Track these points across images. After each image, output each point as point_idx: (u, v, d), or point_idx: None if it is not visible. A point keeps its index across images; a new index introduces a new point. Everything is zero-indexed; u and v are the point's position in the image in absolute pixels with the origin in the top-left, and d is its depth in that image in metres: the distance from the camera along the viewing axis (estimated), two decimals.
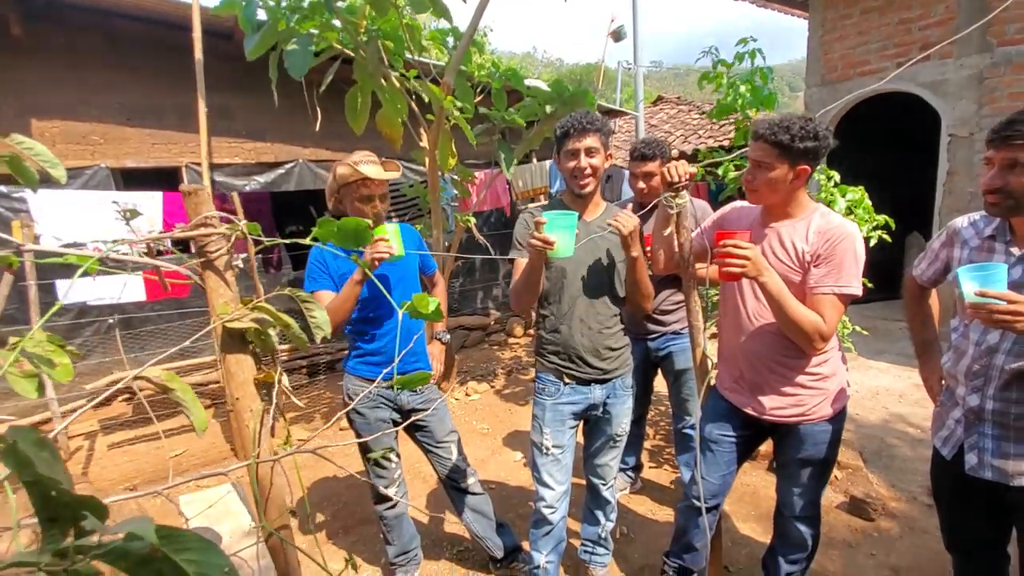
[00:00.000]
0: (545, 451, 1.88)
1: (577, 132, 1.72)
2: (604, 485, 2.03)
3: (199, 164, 4.38)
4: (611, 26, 4.55)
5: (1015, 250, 1.39)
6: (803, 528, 1.80)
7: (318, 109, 3.20)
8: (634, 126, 6.44)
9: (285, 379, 1.27)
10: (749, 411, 1.76)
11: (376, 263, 1.68)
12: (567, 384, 1.85)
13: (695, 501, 1.87)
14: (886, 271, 6.37)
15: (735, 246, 1.49)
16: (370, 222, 1.04)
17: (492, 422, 3.94)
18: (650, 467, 3.10)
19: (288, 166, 4.88)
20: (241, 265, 1.19)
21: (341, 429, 3.83)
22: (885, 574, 2.19)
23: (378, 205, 1.87)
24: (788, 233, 1.62)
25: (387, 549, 2.17)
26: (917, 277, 1.71)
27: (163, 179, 4.32)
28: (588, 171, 1.76)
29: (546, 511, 1.90)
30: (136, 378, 0.90)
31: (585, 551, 2.15)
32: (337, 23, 2.78)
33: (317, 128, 3.36)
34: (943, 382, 1.63)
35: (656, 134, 10.60)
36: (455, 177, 3.71)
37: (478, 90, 3.42)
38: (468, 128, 2.89)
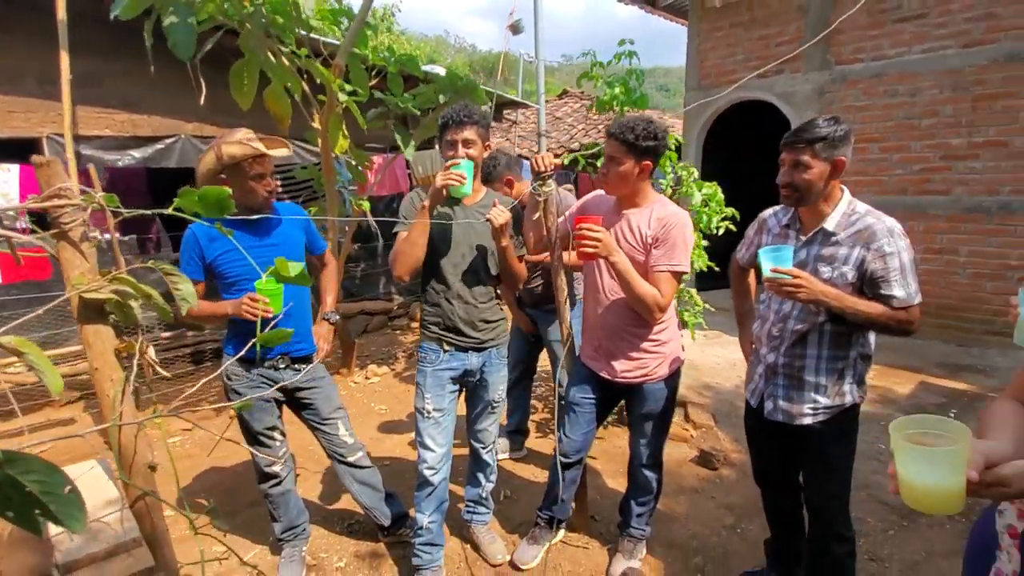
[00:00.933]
0: (427, 415, 2.01)
1: (455, 124, 1.85)
2: (484, 449, 2.20)
3: (62, 135, 4.00)
4: (510, 19, 4.72)
5: (802, 236, 1.68)
6: (649, 474, 2.10)
7: (203, 82, 3.05)
8: (536, 118, 6.71)
9: (151, 351, 1.29)
10: (604, 375, 2.01)
11: (244, 315, 1.70)
12: (446, 352, 1.99)
13: (561, 458, 2.11)
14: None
15: (589, 229, 1.71)
16: (228, 191, 1.06)
17: (391, 403, 4.01)
18: (536, 437, 3.35)
19: (168, 141, 4.55)
20: (100, 238, 1.20)
21: (231, 417, 3.72)
22: (722, 512, 2.58)
23: (271, 183, 1.88)
24: (635, 219, 1.88)
25: (274, 526, 2.19)
26: (738, 260, 2.01)
27: (21, 151, 3.88)
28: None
29: (428, 472, 2.02)
30: None
31: (468, 511, 2.32)
32: None
33: (202, 102, 3.20)
34: (753, 345, 1.94)
35: (560, 127, 11.00)
36: (350, 161, 3.70)
37: (373, 73, 3.43)
38: (358, 111, 2.91)
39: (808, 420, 1.69)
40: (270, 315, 1.67)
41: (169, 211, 1.13)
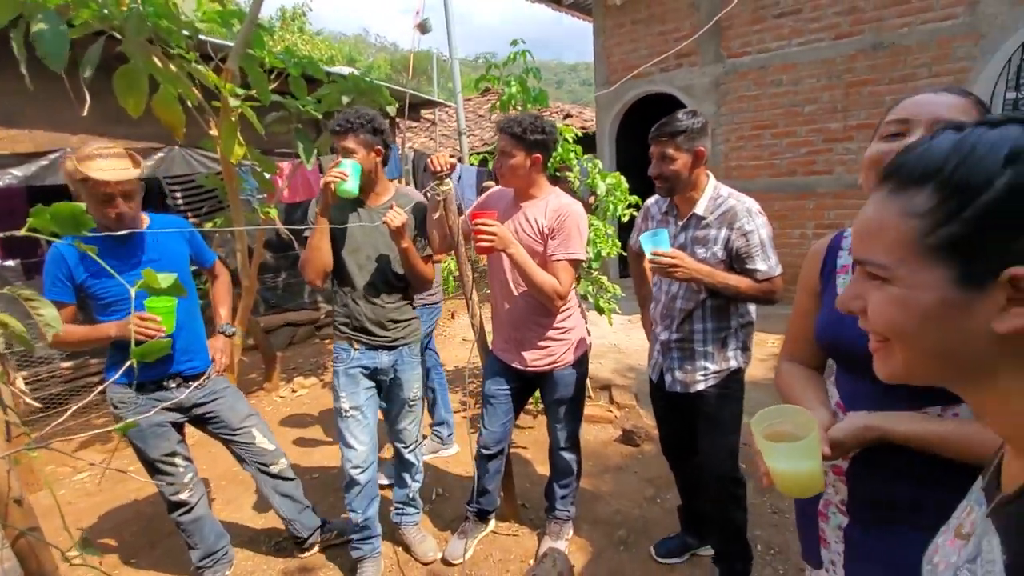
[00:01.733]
0: (344, 414, 2.01)
1: (336, 133, 1.89)
2: (406, 449, 2.21)
3: None
4: (416, 19, 4.69)
5: (679, 222, 1.82)
6: (568, 456, 2.19)
7: (85, 91, 2.83)
8: (456, 117, 6.73)
9: (20, 381, 1.22)
10: (516, 366, 2.07)
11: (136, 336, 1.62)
12: (356, 350, 2.01)
13: (481, 449, 2.16)
14: None
15: (484, 224, 1.76)
16: (83, 207, 0.99)
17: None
18: (470, 432, 3.38)
19: (53, 156, 4.19)
20: None
21: (112, 451, 3.50)
22: (644, 485, 2.72)
23: (121, 205, 1.70)
24: (532, 212, 1.94)
25: (191, 555, 2.10)
26: (631, 245, 2.12)
27: None
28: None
29: (354, 472, 2.03)
30: None
31: (397, 513, 2.32)
32: None
33: (84, 112, 2.97)
34: (652, 326, 2.06)
35: (484, 124, 11.05)
36: (256, 168, 3.56)
37: (273, 76, 3.32)
38: (255, 117, 2.81)
39: (701, 386, 1.83)
40: (163, 334, 1.61)
41: (23, 232, 1.06)
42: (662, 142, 1.72)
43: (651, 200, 1.99)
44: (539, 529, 2.40)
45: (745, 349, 1.86)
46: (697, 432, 1.96)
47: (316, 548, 2.32)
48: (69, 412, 1.10)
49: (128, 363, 1.19)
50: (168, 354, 1.77)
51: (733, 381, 1.85)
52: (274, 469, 2.14)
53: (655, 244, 1.67)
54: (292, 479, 2.22)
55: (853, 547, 0.99)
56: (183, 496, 1.95)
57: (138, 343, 1.63)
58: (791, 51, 5.06)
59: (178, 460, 1.92)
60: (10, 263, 4.29)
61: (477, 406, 3.71)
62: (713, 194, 1.76)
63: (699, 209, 1.75)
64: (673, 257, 1.64)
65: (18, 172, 4.07)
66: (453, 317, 6.17)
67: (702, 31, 4.07)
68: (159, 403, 1.81)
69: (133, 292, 1.15)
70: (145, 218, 1.87)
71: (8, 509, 1.12)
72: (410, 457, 2.23)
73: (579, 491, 2.34)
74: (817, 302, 1.09)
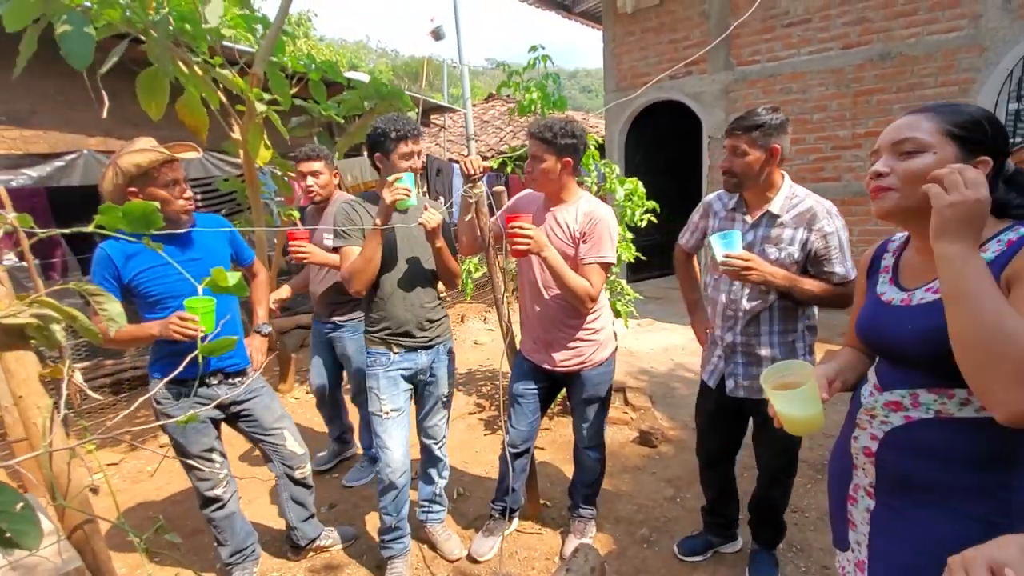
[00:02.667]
0: (385, 415, 2.02)
1: (415, 136, 1.91)
2: (436, 445, 2.24)
3: None
4: (430, 26, 4.75)
5: (748, 218, 1.77)
6: (593, 455, 2.22)
7: (103, 93, 2.87)
8: (464, 122, 6.77)
9: (77, 375, 1.25)
10: (545, 366, 2.10)
11: (174, 336, 1.67)
12: (396, 353, 2.03)
13: (509, 448, 2.19)
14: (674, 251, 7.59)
15: (520, 227, 1.79)
16: (156, 205, 1.02)
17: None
18: (485, 434, 3.41)
19: (69, 157, 4.22)
20: (12, 262, 1.14)
21: (161, 446, 3.52)
22: (663, 485, 2.75)
23: (186, 188, 1.81)
24: (563, 216, 1.98)
25: (220, 551, 2.11)
26: (683, 246, 2.08)
27: None
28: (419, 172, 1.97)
29: (392, 475, 2.04)
30: None
31: (423, 511, 2.33)
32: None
33: (104, 114, 3.01)
34: (708, 330, 1.99)
35: (489, 130, 11.12)
36: (275, 171, 3.60)
37: (293, 80, 3.37)
38: (279, 120, 2.86)
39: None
40: (202, 334, 1.63)
41: (90, 229, 1.08)
42: (736, 136, 1.67)
43: (712, 196, 1.95)
44: (562, 528, 2.43)
45: (811, 352, 1.84)
46: (755, 433, 1.98)
47: (310, 554, 2.33)
48: (136, 405, 1.13)
49: (189, 357, 1.23)
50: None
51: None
52: (298, 474, 2.15)
53: (726, 246, 1.63)
54: (310, 487, 2.23)
55: (879, 526, 1.05)
56: (218, 492, 1.97)
57: (178, 343, 1.68)
58: (800, 60, 5.13)
59: (215, 456, 1.95)
60: (23, 264, 4.32)
61: (493, 408, 3.74)
62: (789, 193, 1.72)
63: (774, 207, 1.71)
64: (747, 260, 1.60)
65: (32, 173, 4.09)
66: (462, 321, 6.19)
67: (716, 42, 4.13)
68: (203, 400, 1.85)
69: (200, 288, 1.19)
70: (192, 216, 1.91)
71: (69, 499, 1.15)
72: (439, 453, 2.26)
73: (601, 490, 2.37)
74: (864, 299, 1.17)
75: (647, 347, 4.90)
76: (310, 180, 2.58)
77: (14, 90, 3.94)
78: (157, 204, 1.01)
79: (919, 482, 0.98)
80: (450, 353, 2.20)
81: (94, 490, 1.08)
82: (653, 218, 3.20)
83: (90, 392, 1.23)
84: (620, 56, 6.26)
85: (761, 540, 2.09)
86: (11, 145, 4.05)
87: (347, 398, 3.03)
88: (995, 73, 4.30)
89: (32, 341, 1.12)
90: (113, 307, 1.13)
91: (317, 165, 2.58)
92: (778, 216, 1.71)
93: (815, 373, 1.13)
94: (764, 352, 1.80)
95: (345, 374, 2.91)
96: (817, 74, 5.07)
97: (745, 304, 1.78)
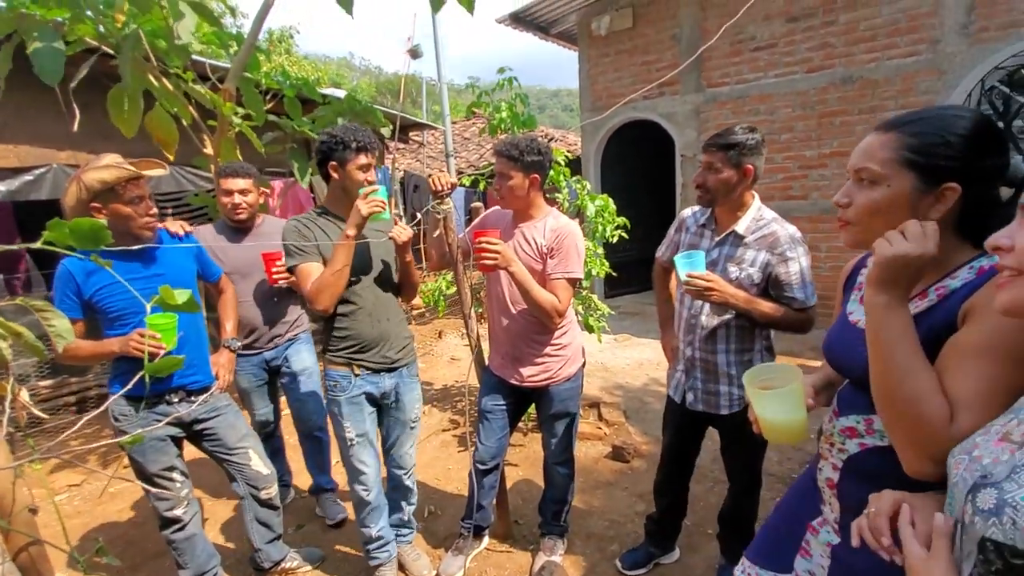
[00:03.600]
0: (351, 443, 1.98)
1: (372, 149, 1.87)
2: (405, 474, 2.17)
3: None
4: (407, 45, 4.82)
5: (716, 236, 1.81)
6: (562, 470, 2.22)
7: (75, 107, 2.84)
8: (444, 139, 6.85)
9: (24, 394, 1.22)
10: (513, 381, 2.11)
11: (134, 353, 1.65)
12: (358, 376, 1.97)
13: (477, 464, 2.18)
14: (650, 266, 7.70)
15: (488, 242, 1.80)
16: (103, 222, 1.01)
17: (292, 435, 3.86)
18: (458, 451, 3.39)
19: (38, 171, 4.15)
20: None
21: (125, 466, 3.42)
22: (633, 500, 2.76)
23: (151, 205, 1.79)
24: (530, 231, 2.01)
25: (181, 575, 2.06)
26: (660, 259, 2.12)
27: None
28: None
29: (364, 493, 2.03)
30: None
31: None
32: (91, 14, 2.52)
33: (75, 128, 2.97)
34: (673, 347, 2.02)
35: (469, 147, 11.22)
36: None
37: (268, 96, 3.37)
38: (254, 136, 2.86)
39: (725, 411, 1.86)
40: (162, 351, 1.61)
41: (38, 245, 1.08)
42: (711, 152, 1.70)
43: (688, 211, 1.98)
44: (532, 545, 2.41)
45: None
46: (722, 445, 2.01)
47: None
48: (83, 421, 1.11)
49: (137, 376, 1.21)
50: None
51: None
52: (263, 495, 2.11)
53: (691, 266, 1.65)
54: (276, 507, 2.18)
55: (839, 563, 1.03)
56: (178, 512, 1.92)
57: (138, 359, 1.66)
58: (767, 82, 5.31)
59: (176, 475, 1.90)
60: None
61: (468, 424, 3.72)
62: (756, 215, 1.75)
63: (740, 227, 1.74)
64: (709, 280, 1.63)
65: (1, 187, 4.02)
66: (440, 336, 6.17)
67: (684, 65, 4.27)
68: (161, 417, 1.81)
69: (149, 306, 1.18)
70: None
71: (13, 520, 1.12)
72: (409, 483, 2.19)
73: (571, 507, 2.37)
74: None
75: (622, 362, 4.93)
76: (238, 198, 2.41)
77: None
78: (103, 222, 1.01)
79: None
80: (417, 376, 2.17)
81: (33, 511, 1.06)
82: (624, 234, 3.25)
83: (36, 411, 1.20)
84: (595, 77, 6.41)
85: (729, 554, 2.11)
86: None
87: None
88: (954, 96, 4.50)
89: None
90: (61, 323, 1.11)
91: (243, 183, 2.44)
92: (743, 236, 1.74)
93: (803, 379, 1.07)
94: (721, 369, 1.83)
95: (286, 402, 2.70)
96: (783, 96, 5.25)
97: (703, 319, 1.82)
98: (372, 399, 2.02)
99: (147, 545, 2.60)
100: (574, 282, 1.99)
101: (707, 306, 1.80)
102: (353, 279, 1.92)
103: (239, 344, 2.19)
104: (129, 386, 1.25)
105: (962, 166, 0.83)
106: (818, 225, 5.15)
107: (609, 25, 6.03)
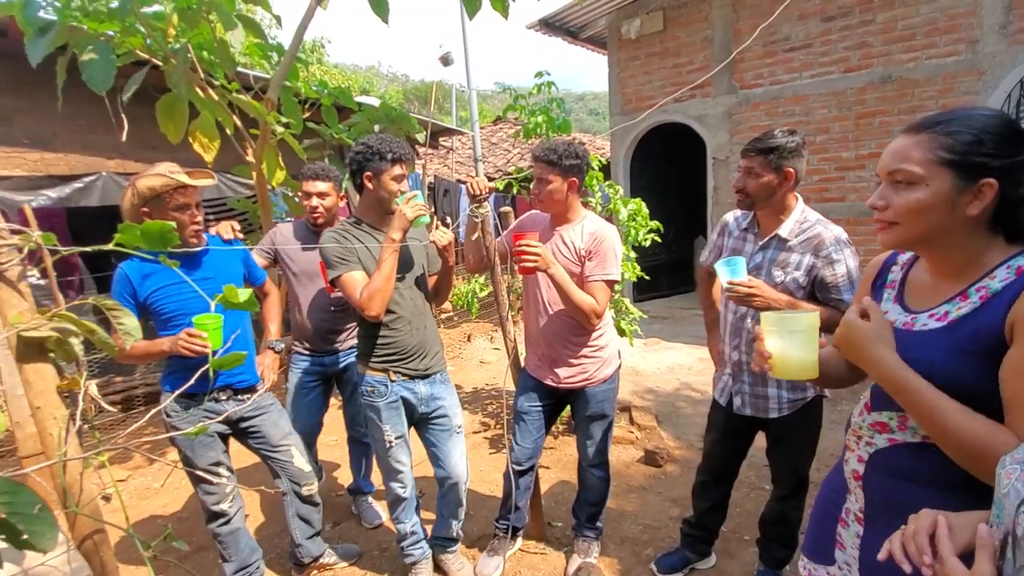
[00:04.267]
0: (390, 444, 2.01)
1: (407, 159, 1.90)
2: (457, 483, 2.12)
3: None
4: (439, 52, 4.91)
5: (759, 240, 1.80)
6: (597, 473, 2.22)
7: (124, 117, 2.98)
8: (472, 144, 6.91)
9: (93, 387, 1.29)
10: (549, 383, 2.12)
11: (182, 352, 1.68)
12: (394, 381, 1.97)
13: (513, 466, 2.19)
14: (680, 270, 7.63)
15: (528, 245, 1.82)
16: (173, 224, 1.06)
17: (340, 434, 3.94)
18: (490, 453, 3.41)
19: (88, 179, 4.34)
20: (34, 279, 1.19)
21: (171, 463, 3.54)
22: (667, 505, 2.73)
23: (196, 214, 1.85)
24: (568, 235, 2.02)
25: (224, 567, 2.11)
26: (703, 264, 2.09)
27: None
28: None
29: (401, 490, 2.07)
30: None
31: (438, 545, 2.26)
32: (142, 28, 2.65)
33: (124, 138, 3.12)
34: (720, 351, 1.99)
35: (496, 152, 11.30)
36: (286, 192, 3.69)
37: (306, 105, 3.47)
38: (296, 143, 2.95)
39: (774, 414, 1.83)
40: (208, 351, 1.66)
41: (110, 247, 1.14)
42: (751, 156, 1.69)
43: (730, 215, 1.97)
44: (566, 548, 2.41)
45: None
46: (769, 448, 1.98)
47: (313, 572, 2.32)
48: (147, 417, 1.17)
49: (199, 371, 1.26)
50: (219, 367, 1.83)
51: (811, 410, 1.83)
52: (305, 491, 2.16)
53: (731, 273, 1.63)
54: (317, 504, 2.23)
55: (868, 555, 1.03)
56: (224, 506, 1.98)
57: (190, 358, 1.73)
58: (802, 83, 5.21)
59: (222, 470, 1.97)
60: (42, 282, 4.42)
61: (498, 427, 3.74)
62: (800, 217, 1.72)
63: (783, 231, 1.72)
64: (751, 287, 1.61)
65: (52, 194, 4.21)
66: (469, 340, 6.22)
67: (718, 67, 4.23)
68: (210, 413, 1.88)
69: (213, 304, 1.23)
70: (203, 238, 1.96)
71: (78, 510, 1.17)
72: (461, 494, 2.15)
73: (605, 510, 2.36)
74: None
75: (653, 366, 4.89)
76: (315, 201, 2.43)
77: (37, 114, 4.09)
78: (173, 224, 1.06)
79: (905, 509, 0.94)
80: (450, 381, 2.17)
81: (106, 498, 1.11)
82: (657, 237, 3.24)
83: (105, 404, 1.27)
84: (625, 80, 6.38)
85: (769, 561, 2.07)
86: (33, 167, 4.19)
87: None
88: (994, 96, 4.35)
89: (51, 354, 1.16)
90: (129, 321, 1.17)
91: (323, 186, 2.44)
92: (787, 240, 1.71)
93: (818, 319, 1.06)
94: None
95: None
96: (819, 97, 5.14)
97: (750, 323, 1.79)
98: (407, 404, 2.03)
99: (192, 539, 2.68)
100: (612, 284, 1.99)
101: (752, 309, 1.78)
102: (397, 289, 1.93)
103: (283, 346, 2.25)
104: (190, 383, 1.30)
105: (997, 163, 0.86)
106: (855, 228, 5.01)
107: (639, 28, 6.01)
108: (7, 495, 0.60)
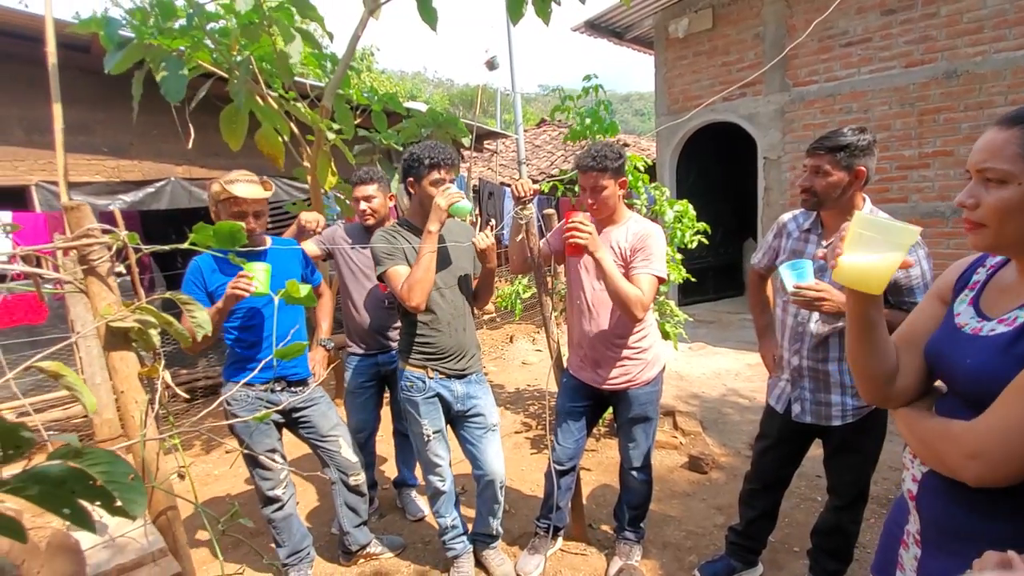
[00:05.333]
0: (428, 438, 2.08)
1: (447, 166, 1.94)
2: (494, 480, 2.14)
3: (52, 182, 4.09)
4: (485, 56, 4.99)
5: (823, 241, 1.73)
6: (639, 476, 2.20)
7: (190, 126, 3.19)
8: (516, 147, 6.97)
9: (167, 375, 1.39)
10: (592, 384, 2.12)
11: (234, 297, 1.79)
12: (431, 378, 2.04)
13: (555, 465, 2.21)
14: (728, 273, 7.43)
15: (581, 222, 1.82)
16: (241, 225, 1.15)
17: (384, 430, 4.06)
18: (531, 453, 3.43)
19: (158, 184, 4.67)
20: (123, 271, 1.31)
21: (227, 452, 3.75)
22: (712, 512, 2.68)
23: (252, 222, 1.94)
24: (615, 236, 2.01)
25: (278, 552, 2.23)
26: (755, 266, 2.04)
27: (8, 199, 3.97)
28: None
29: (440, 484, 2.13)
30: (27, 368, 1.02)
31: (480, 541, 2.31)
32: (209, 43, 2.83)
33: (190, 145, 3.34)
34: (775, 355, 1.95)
35: (540, 154, 11.33)
36: (338, 195, 3.84)
37: (357, 111, 3.61)
38: (347, 149, 3.07)
39: (837, 422, 1.76)
40: (253, 290, 1.75)
41: (186, 245, 1.24)
42: (819, 155, 1.64)
43: (787, 216, 1.90)
44: (606, 550, 2.40)
45: None
46: (827, 458, 1.91)
47: (360, 561, 2.41)
48: (214, 406, 1.27)
49: (264, 360, 1.35)
50: (276, 360, 1.94)
51: (875, 419, 1.77)
52: (352, 481, 2.25)
53: (797, 277, 1.57)
54: (363, 494, 2.31)
55: None
56: (278, 492, 2.10)
57: (252, 352, 1.84)
58: (861, 79, 4.99)
59: (277, 457, 2.08)
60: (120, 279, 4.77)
61: (540, 427, 3.76)
62: None
63: None
64: (820, 291, 1.54)
65: (127, 198, 4.55)
66: (511, 341, 6.26)
67: (771, 63, 4.11)
68: (267, 403, 2.00)
69: (276, 298, 1.32)
70: (267, 239, 2.09)
71: (153, 489, 1.28)
72: (498, 490, 2.17)
73: (648, 514, 2.34)
74: (942, 310, 1.05)
75: (698, 371, 4.79)
76: (363, 205, 2.52)
77: (115, 125, 4.43)
78: (242, 225, 1.15)
79: (959, 532, 0.92)
80: (485, 380, 2.21)
81: (181, 476, 1.21)
82: (704, 239, 3.18)
83: (179, 391, 1.37)
84: (672, 80, 6.29)
85: (819, 573, 2.00)
86: (110, 173, 4.52)
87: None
88: None
89: (134, 343, 1.27)
90: (201, 315, 1.27)
91: (370, 189, 2.52)
92: None
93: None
94: (834, 379, 1.73)
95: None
96: (879, 93, 4.91)
97: (812, 327, 1.73)
98: (443, 400, 2.09)
99: (244, 526, 2.83)
100: (658, 280, 1.94)
101: (816, 313, 1.71)
102: (438, 290, 2.00)
103: (332, 344, 2.35)
104: (252, 373, 1.41)
105: None
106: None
107: (688, 27, 5.91)
108: (106, 465, 0.67)
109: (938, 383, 1.05)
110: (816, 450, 1.94)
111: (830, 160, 1.62)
